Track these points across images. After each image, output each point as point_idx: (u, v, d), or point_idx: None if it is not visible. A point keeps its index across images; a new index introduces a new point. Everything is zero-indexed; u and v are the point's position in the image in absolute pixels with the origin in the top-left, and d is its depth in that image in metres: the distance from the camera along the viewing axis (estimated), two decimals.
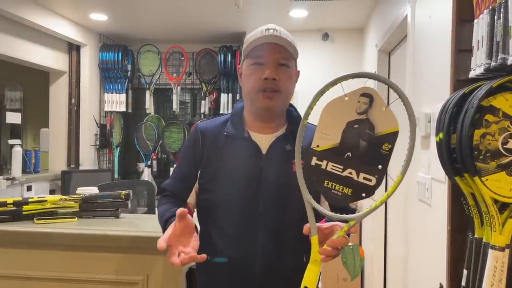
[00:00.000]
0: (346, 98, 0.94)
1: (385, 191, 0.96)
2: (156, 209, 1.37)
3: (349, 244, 0.98)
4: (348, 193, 0.95)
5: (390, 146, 0.93)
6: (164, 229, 1.20)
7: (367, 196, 0.95)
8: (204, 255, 1.05)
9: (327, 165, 0.96)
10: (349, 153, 0.95)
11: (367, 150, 0.94)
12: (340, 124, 0.95)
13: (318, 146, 0.96)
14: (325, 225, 1.05)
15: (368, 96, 0.93)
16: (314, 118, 0.99)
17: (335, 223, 1.04)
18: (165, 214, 1.24)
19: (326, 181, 0.96)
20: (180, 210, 1.06)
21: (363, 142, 0.94)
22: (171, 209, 1.24)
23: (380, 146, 0.93)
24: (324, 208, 0.99)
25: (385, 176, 0.96)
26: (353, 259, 0.96)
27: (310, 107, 0.97)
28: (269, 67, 1.23)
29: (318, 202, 1.02)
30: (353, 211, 1.32)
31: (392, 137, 0.93)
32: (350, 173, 0.95)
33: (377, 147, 0.93)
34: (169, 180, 1.40)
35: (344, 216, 0.96)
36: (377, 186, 0.95)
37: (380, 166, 0.94)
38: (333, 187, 0.96)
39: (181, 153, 1.40)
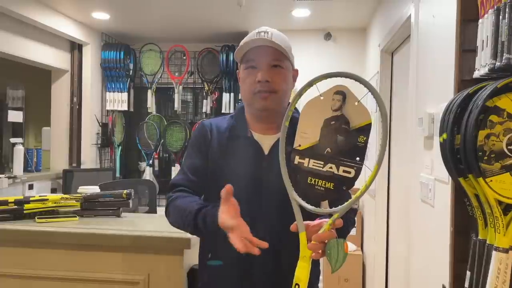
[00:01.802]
0: (322, 98, 1.01)
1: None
2: (157, 208, 1.36)
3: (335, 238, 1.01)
4: (330, 187, 1.01)
5: (365, 138, 0.99)
6: (193, 222, 1.18)
7: (348, 188, 1.00)
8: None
9: (309, 162, 1.02)
10: (328, 148, 1.01)
11: (344, 144, 1.00)
12: (318, 122, 1.02)
13: (299, 145, 1.03)
14: (313, 222, 1.06)
15: (341, 93, 1.00)
16: None
17: (323, 220, 1.05)
18: (189, 206, 1.21)
19: (309, 177, 1.02)
20: (226, 188, 1.08)
21: (340, 137, 1.00)
22: (194, 201, 1.23)
23: (356, 139, 0.99)
24: (322, 207, 1.02)
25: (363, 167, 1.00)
26: (337, 252, 0.99)
27: (290, 109, 1.05)
28: (262, 69, 1.25)
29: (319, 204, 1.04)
30: (355, 211, 1.31)
31: (366, 129, 0.99)
32: (331, 167, 1.00)
33: (353, 140, 0.99)
34: (179, 176, 1.35)
35: (328, 210, 1.01)
36: (356, 178, 1.00)
37: (357, 158, 0.99)
38: (316, 183, 1.01)
39: (191, 147, 1.38)
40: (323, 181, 1.01)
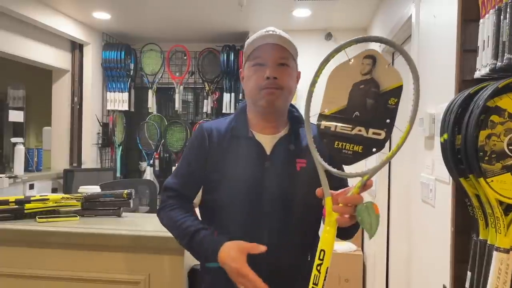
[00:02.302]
0: (351, 62, 0.99)
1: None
2: (158, 209, 1.36)
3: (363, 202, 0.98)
4: (359, 150, 0.98)
5: (396, 100, 0.97)
6: (189, 240, 1.24)
7: (378, 150, 0.98)
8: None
9: (336, 127, 0.99)
10: (357, 112, 0.98)
11: (374, 107, 0.97)
12: (346, 87, 0.99)
13: (326, 110, 1.00)
14: (338, 191, 1.03)
15: (371, 57, 0.98)
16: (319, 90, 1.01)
17: (349, 187, 1.03)
18: (185, 223, 1.26)
19: (336, 142, 0.99)
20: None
21: (369, 100, 0.98)
22: (189, 217, 1.28)
23: (386, 101, 0.97)
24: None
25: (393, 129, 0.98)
26: (369, 216, 0.96)
27: (317, 75, 1.01)
28: (270, 66, 1.25)
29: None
30: None
31: (397, 91, 0.97)
32: (360, 130, 0.98)
33: (383, 103, 0.97)
34: (173, 179, 1.36)
35: (358, 172, 0.98)
36: (387, 139, 0.98)
37: (388, 120, 0.97)
38: (343, 147, 0.99)
39: (187, 151, 1.38)
40: (352, 145, 0.98)
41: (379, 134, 0.97)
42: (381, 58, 0.98)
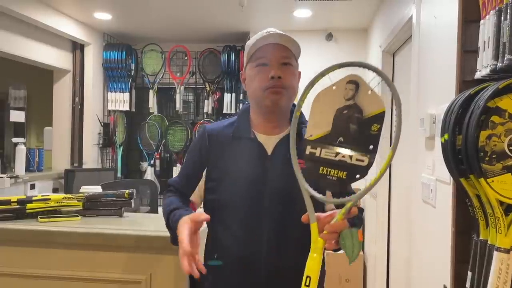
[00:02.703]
0: (334, 88, 1.00)
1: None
2: (159, 208, 1.39)
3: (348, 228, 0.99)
4: (343, 177, 0.99)
5: (378, 126, 0.97)
6: (167, 219, 1.28)
7: (361, 176, 0.98)
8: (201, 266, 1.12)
9: (321, 152, 1.00)
10: (341, 138, 0.99)
11: (357, 133, 0.98)
12: (331, 112, 1.00)
13: (311, 135, 1.01)
14: (324, 214, 1.05)
15: (354, 82, 0.99)
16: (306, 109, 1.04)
17: (335, 211, 1.04)
18: (171, 205, 1.31)
19: (321, 167, 1.00)
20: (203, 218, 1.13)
21: (353, 126, 0.98)
22: (177, 202, 1.33)
23: (369, 128, 0.98)
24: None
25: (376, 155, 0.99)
26: (352, 242, 0.98)
27: (301, 100, 1.03)
28: (273, 66, 1.26)
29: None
30: (362, 210, 1.31)
31: (380, 117, 0.98)
32: (343, 156, 0.99)
33: (366, 129, 0.98)
34: (176, 177, 1.45)
35: (341, 199, 0.99)
36: (370, 166, 0.98)
37: (371, 146, 0.97)
38: (328, 173, 1.00)
39: (189, 152, 1.45)
40: (336, 170, 0.99)
41: (362, 161, 0.98)
42: (364, 83, 0.99)
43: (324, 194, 1.01)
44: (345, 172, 0.98)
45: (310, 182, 1.02)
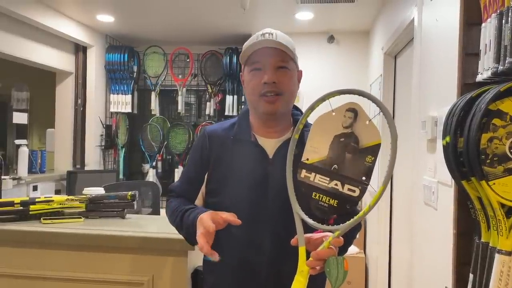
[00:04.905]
0: (334, 114, 1.00)
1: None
2: (161, 209, 1.39)
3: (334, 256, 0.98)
4: (334, 205, 0.99)
5: (373, 158, 0.98)
6: (181, 219, 1.25)
7: (350, 208, 0.99)
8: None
9: (315, 177, 1.01)
10: (335, 165, 1.00)
11: (351, 163, 0.99)
12: (328, 138, 1.01)
13: (307, 159, 1.02)
14: (316, 235, 1.05)
15: (353, 111, 0.99)
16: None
17: (326, 234, 1.03)
18: (179, 207, 1.29)
19: (314, 192, 1.01)
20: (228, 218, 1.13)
21: (348, 155, 0.99)
22: (186, 203, 1.31)
23: (364, 158, 0.98)
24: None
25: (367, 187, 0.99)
26: (336, 270, 0.97)
27: (301, 122, 1.05)
28: (268, 71, 1.23)
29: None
30: (359, 227, 1.30)
31: (375, 149, 0.98)
32: (336, 184, 0.99)
33: (361, 159, 0.98)
34: (177, 182, 1.42)
35: (329, 227, 0.99)
36: (360, 197, 0.99)
37: (363, 178, 0.98)
38: (320, 199, 1.00)
39: (189, 156, 1.43)
40: (327, 198, 0.99)
41: (354, 191, 0.98)
42: (363, 113, 0.99)
43: (315, 217, 1.01)
44: (336, 201, 0.99)
45: (302, 205, 1.02)
